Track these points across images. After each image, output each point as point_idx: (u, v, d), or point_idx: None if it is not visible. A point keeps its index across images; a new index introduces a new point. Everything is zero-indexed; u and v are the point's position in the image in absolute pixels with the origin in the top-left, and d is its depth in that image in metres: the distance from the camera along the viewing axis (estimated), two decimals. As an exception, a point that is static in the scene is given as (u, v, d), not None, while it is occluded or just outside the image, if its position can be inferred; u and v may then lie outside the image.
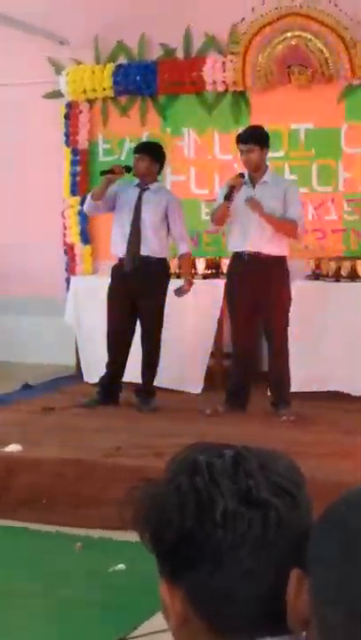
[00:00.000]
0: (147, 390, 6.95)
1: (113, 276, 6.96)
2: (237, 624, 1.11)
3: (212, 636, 1.13)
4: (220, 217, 6.59)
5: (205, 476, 1.12)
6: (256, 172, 6.55)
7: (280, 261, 6.54)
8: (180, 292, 6.84)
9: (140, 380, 6.98)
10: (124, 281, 6.80)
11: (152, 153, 6.87)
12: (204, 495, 1.11)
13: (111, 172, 6.79)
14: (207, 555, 1.11)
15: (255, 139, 6.51)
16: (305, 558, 1.03)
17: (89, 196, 6.96)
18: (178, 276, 7.58)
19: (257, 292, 6.48)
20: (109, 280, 6.99)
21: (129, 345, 6.93)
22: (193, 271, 7.70)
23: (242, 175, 6.48)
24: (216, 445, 1.19)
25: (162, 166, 7.04)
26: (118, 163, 7.70)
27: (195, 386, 7.47)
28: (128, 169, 6.83)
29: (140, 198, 6.82)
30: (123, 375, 6.99)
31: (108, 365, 6.98)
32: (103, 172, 6.90)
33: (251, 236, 6.46)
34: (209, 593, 1.12)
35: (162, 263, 6.92)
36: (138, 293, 6.75)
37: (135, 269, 6.73)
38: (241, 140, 6.57)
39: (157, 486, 1.15)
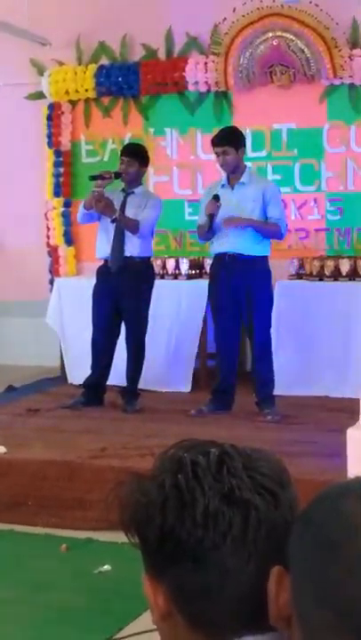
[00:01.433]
0: (131, 391, 6.95)
1: (98, 277, 6.96)
2: (218, 621, 1.12)
3: (193, 632, 1.13)
4: (206, 236, 6.64)
5: (189, 475, 1.13)
6: (234, 172, 6.55)
7: (261, 261, 6.55)
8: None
9: (124, 382, 6.97)
10: (109, 282, 6.80)
11: (140, 157, 6.87)
12: (186, 494, 1.12)
13: (100, 178, 6.78)
14: (188, 553, 1.11)
15: (229, 140, 6.50)
16: (287, 556, 1.04)
17: (81, 207, 6.94)
18: (162, 277, 7.61)
19: (239, 292, 6.49)
20: (94, 281, 6.98)
21: (113, 346, 6.93)
22: (177, 272, 7.71)
23: (216, 198, 6.45)
24: (203, 443, 1.19)
25: (146, 169, 7.05)
26: (102, 165, 7.71)
27: (183, 384, 7.47)
28: (118, 175, 6.81)
29: (124, 202, 6.82)
30: (107, 376, 6.98)
31: (93, 367, 6.97)
32: (92, 177, 6.89)
33: (231, 238, 6.46)
34: (190, 590, 1.12)
35: (146, 263, 6.92)
36: (122, 295, 6.75)
37: (119, 270, 6.73)
38: (215, 142, 6.55)
39: (143, 483, 1.15)
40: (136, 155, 6.87)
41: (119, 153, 7.12)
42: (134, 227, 6.68)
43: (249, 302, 6.50)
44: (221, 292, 6.59)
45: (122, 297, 6.76)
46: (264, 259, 6.57)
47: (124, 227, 6.69)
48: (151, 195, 7.06)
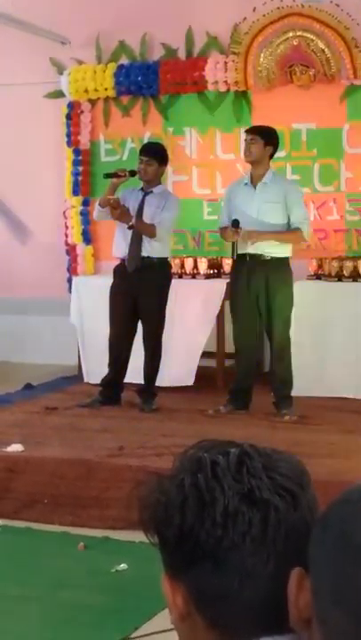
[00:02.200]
0: (149, 390, 6.95)
1: (115, 275, 6.97)
2: (237, 622, 1.12)
3: (212, 633, 1.13)
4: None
5: (208, 474, 1.13)
6: (257, 167, 6.54)
7: (283, 263, 6.54)
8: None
9: (141, 381, 6.98)
10: (126, 281, 6.80)
11: (160, 157, 6.85)
12: (206, 493, 1.12)
13: (115, 176, 6.77)
14: (207, 553, 1.11)
15: (260, 131, 6.54)
16: (307, 558, 1.04)
17: (97, 204, 6.94)
18: (180, 276, 7.61)
19: (259, 293, 6.48)
20: (112, 280, 6.99)
21: (131, 345, 6.93)
22: (195, 271, 7.70)
23: (236, 224, 6.42)
24: (223, 443, 1.19)
25: (165, 168, 7.05)
26: (120, 164, 7.70)
27: (187, 378, 7.43)
28: (133, 173, 6.79)
29: (142, 201, 6.82)
30: (125, 375, 6.98)
31: (110, 365, 6.97)
32: (107, 175, 6.88)
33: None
34: (209, 591, 1.12)
35: (163, 263, 6.92)
36: (139, 293, 6.75)
37: (137, 270, 6.73)
38: (247, 130, 6.67)
39: (162, 482, 1.15)
40: (155, 154, 6.86)
41: (138, 152, 7.11)
42: (151, 232, 6.67)
43: (269, 303, 6.48)
44: (242, 292, 6.57)
45: (139, 296, 6.76)
46: (286, 260, 6.55)
47: (141, 232, 6.68)
48: (170, 195, 7.04)
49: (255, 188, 6.55)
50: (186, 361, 7.49)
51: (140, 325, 6.92)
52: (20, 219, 9.08)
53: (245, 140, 6.58)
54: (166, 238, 6.90)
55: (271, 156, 6.62)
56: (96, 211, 6.98)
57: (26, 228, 9.09)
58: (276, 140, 6.61)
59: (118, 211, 6.65)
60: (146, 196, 6.83)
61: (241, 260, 6.56)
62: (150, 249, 6.76)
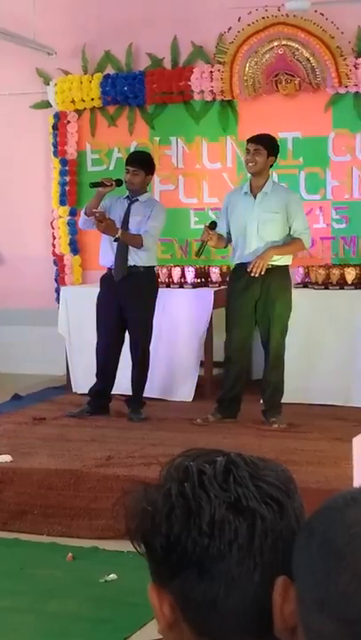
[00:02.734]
0: (137, 400, 6.94)
1: (102, 285, 6.97)
2: (224, 631, 1.12)
3: None
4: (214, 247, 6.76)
5: (195, 483, 1.13)
6: (257, 177, 6.53)
7: (283, 270, 6.52)
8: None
9: (130, 391, 6.97)
10: (113, 290, 6.79)
11: (146, 166, 6.85)
12: (192, 502, 1.12)
13: (101, 185, 6.78)
14: (194, 562, 1.11)
15: (265, 142, 6.49)
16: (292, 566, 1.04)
17: (82, 213, 6.94)
18: (167, 286, 7.62)
19: (258, 301, 6.46)
20: (99, 291, 6.99)
21: (118, 354, 6.93)
22: (182, 280, 7.71)
23: (213, 226, 6.46)
24: (210, 452, 1.19)
25: (152, 177, 7.05)
26: (107, 173, 7.71)
27: (186, 394, 7.46)
28: (119, 182, 6.80)
29: (128, 209, 6.82)
30: (112, 385, 6.98)
31: (98, 375, 6.97)
32: (94, 185, 6.89)
33: (252, 247, 6.45)
34: (195, 599, 1.12)
35: (150, 272, 6.92)
36: (125, 303, 6.75)
37: (123, 279, 6.73)
38: (251, 139, 6.56)
39: (149, 492, 1.15)
40: (141, 163, 6.86)
41: (125, 162, 7.11)
42: (137, 242, 6.68)
43: (269, 311, 6.46)
44: (240, 300, 6.53)
45: (126, 306, 6.76)
46: (285, 268, 6.55)
47: (128, 244, 6.69)
48: (156, 203, 7.04)
49: (255, 197, 6.54)
50: (183, 376, 7.50)
51: (127, 335, 6.92)
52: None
53: (248, 149, 6.51)
54: (153, 247, 6.90)
55: (271, 166, 6.61)
56: (81, 219, 6.98)
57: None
58: (278, 151, 6.59)
59: (104, 224, 6.65)
60: (132, 204, 6.84)
61: (241, 268, 6.53)
62: (137, 258, 6.76)
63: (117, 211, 6.81)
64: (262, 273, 6.36)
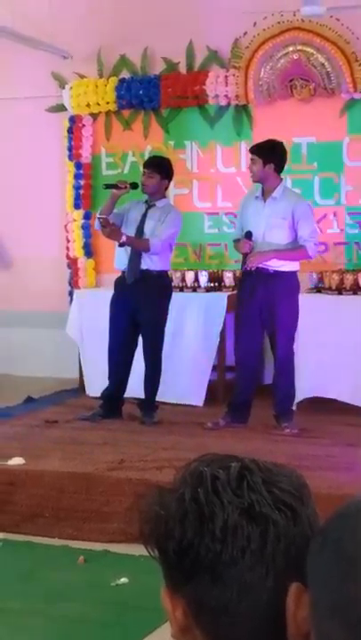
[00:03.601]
0: (149, 403, 6.95)
1: (116, 288, 6.99)
2: (236, 636, 1.12)
3: None
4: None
5: (208, 489, 1.13)
6: (266, 184, 6.54)
7: (289, 276, 6.52)
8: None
9: (142, 394, 6.97)
10: (126, 294, 6.81)
11: (162, 170, 6.85)
12: (205, 508, 1.12)
13: (115, 187, 6.80)
14: (206, 567, 1.11)
15: (259, 151, 6.53)
16: (306, 572, 1.04)
17: (97, 214, 6.96)
18: (181, 290, 7.62)
19: (264, 307, 6.47)
20: (113, 295, 7.00)
21: (131, 357, 6.94)
22: (196, 284, 7.71)
23: (249, 236, 6.45)
24: (225, 457, 1.19)
25: (170, 182, 7.04)
26: (122, 177, 7.71)
27: (197, 398, 7.46)
28: (134, 185, 6.82)
29: (145, 214, 6.83)
30: (125, 388, 6.99)
31: (110, 378, 6.98)
32: (107, 186, 6.91)
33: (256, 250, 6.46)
34: (208, 605, 1.12)
35: (162, 276, 6.93)
36: (139, 306, 6.76)
37: (136, 282, 6.75)
38: (250, 149, 6.71)
39: (163, 496, 1.16)
40: (157, 167, 6.87)
41: (141, 166, 7.12)
42: (145, 246, 6.71)
43: (274, 316, 6.47)
44: (247, 306, 6.56)
45: (139, 309, 6.77)
46: (292, 274, 6.55)
47: (135, 248, 6.71)
48: (172, 209, 7.04)
49: (265, 202, 6.56)
50: (194, 380, 7.49)
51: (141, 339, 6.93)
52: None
53: (250, 158, 6.62)
54: (165, 252, 6.90)
55: (279, 170, 6.60)
56: (97, 221, 7.01)
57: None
58: (277, 155, 6.58)
59: (108, 229, 6.70)
60: (149, 209, 6.85)
61: (247, 274, 6.55)
62: (150, 262, 6.78)
63: (135, 214, 6.84)
64: (252, 268, 6.39)
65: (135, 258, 6.75)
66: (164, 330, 6.88)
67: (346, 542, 0.97)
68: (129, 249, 6.77)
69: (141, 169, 7.11)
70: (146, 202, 6.87)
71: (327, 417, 6.95)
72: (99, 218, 6.71)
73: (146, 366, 6.90)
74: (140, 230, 6.79)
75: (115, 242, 6.92)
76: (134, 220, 6.80)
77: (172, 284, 7.27)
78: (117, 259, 6.95)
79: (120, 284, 6.92)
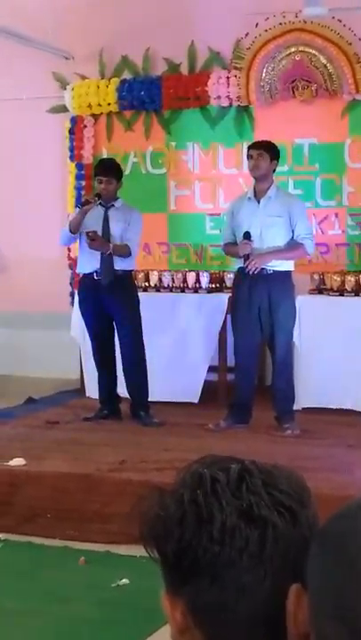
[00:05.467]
0: (144, 403, 6.96)
1: (85, 291, 7.01)
2: (234, 638, 1.12)
3: None
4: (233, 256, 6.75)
5: (207, 490, 1.13)
6: (261, 182, 6.55)
7: (284, 276, 6.54)
8: None
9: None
10: (101, 296, 6.85)
11: (118, 174, 6.95)
12: (204, 510, 1.12)
13: (87, 203, 6.86)
14: (205, 568, 1.11)
15: (267, 147, 6.56)
16: (305, 573, 1.04)
17: (66, 230, 6.94)
18: (182, 290, 7.63)
19: (261, 307, 6.48)
20: (80, 298, 7.09)
21: (114, 356, 7.05)
22: (197, 285, 7.71)
23: (247, 236, 6.42)
24: (225, 459, 1.19)
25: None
26: (126, 179, 7.70)
27: (192, 395, 7.44)
28: (99, 196, 6.88)
29: (106, 216, 6.87)
30: (116, 385, 7.07)
31: (100, 381, 7.10)
32: (82, 204, 6.96)
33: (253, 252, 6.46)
34: (206, 606, 1.12)
35: (132, 276, 7.10)
36: (117, 307, 6.87)
37: (110, 284, 6.78)
38: (253, 145, 6.67)
39: (163, 497, 1.16)
40: (114, 172, 6.95)
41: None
42: (126, 252, 6.83)
43: (270, 317, 6.48)
44: (243, 306, 6.57)
45: (117, 310, 6.86)
46: (287, 274, 6.56)
47: (118, 255, 6.77)
48: (133, 209, 7.07)
49: (259, 202, 6.56)
50: (191, 377, 7.49)
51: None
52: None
53: (251, 155, 6.55)
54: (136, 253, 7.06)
55: (274, 171, 6.64)
56: (65, 236, 7.00)
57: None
58: (278, 155, 6.64)
59: (97, 242, 6.74)
60: (108, 210, 6.89)
61: (242, 274, 6.57)
62: (121, 262, 6.87)
63: (93, 216, 6.86)
64: (255, 272, 6.37)
65: (108, 259, 6.80)
66: (142, 327, 6.94)
67: (346, 544, 0.97)
68: (97, 252, 6.78)
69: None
70: (100, 205, 6.89)
71: (329, 418, 6.94)
72: (87, 233, 6.75)
73: (130, 367, 6.94)
74: (106, 229, 6.86)
75: (80, 246, 7.01)
76: (93, 221, 6.84)
77: (170, 285, 7.41)
78: (84, 262, 6.96)
79: (90, 287, 6.92)
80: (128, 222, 6.88)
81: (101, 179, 6.90)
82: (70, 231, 6.89)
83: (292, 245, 6.50)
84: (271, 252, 6.43)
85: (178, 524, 1.13)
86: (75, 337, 7.95)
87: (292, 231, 6.52)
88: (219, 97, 8.21)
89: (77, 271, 7.15)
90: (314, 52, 7.84)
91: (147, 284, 7.82)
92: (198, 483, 1.14)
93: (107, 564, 4.87)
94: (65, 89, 8.76)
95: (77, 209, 7.03)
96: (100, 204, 6.90)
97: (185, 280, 7.76)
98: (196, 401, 7.42)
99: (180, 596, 1.14)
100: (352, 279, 7.35)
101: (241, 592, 1.11)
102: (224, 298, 7.48)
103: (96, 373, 7.27)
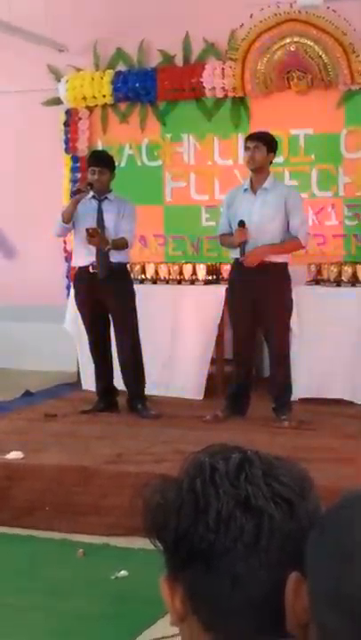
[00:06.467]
0: (141, 395, 6.96)
1: (80, 284, 6.99)
2: (231, 626, 1.12)
3: (208, 635, 1.13)
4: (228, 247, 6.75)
5: (206, 479, 1.14)
6: (258, 174, 6.54)
7: (280, 268, 6.53)
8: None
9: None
10: (93, 288, 6.83)
11: (111, 165, 6.93)
12: (201, 498, 1.13)
13: (79, 192, 6.84)
14: (200, 556, 1.12)
15: (264, 139, 6.54)
16: (304, 564, 1.04)
17: (59, 221, 6.91)
18: (179, 282, 7.63)
19: (257, 298, 6.48)
20: (76, 291, 7.06)
21: (110, 348, 7.03)
22: (194, 277, 7.71)
23: (242, 224, 6.43)
24: (229, 448, 1.20)
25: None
26: (119, 170, 7.67)
27: (196, 392, 7.46)
28: (91, 185, 6.85)
29: (100, 208, 6.86)
30: (112, 378, 7.07)
31: (96, 374, 7.09)
32: (74, 193, 6.94)
33: (250, 244, 6.46)
34: (202, 593, 1.13)
35: (125, 268, 7.07)
36: (114, 299, 6.85)
37: (107, 276, 6.77)
38: (250, 137, 6.64)
39: (165, 486, 1.17)
40: (107, 163, 6.94)
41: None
42: (124, 245, 6.83)
43: (267, 308, 6.48)
44: (239, 297, 6.58)
45: (113, 302, 6.85)
46: (283, 265, 6.56)
47: (118, 249, 6.76)
48: (127, 201, 7.04)
49: (255, 193, 6.55)
50: (193, 373, 7.49)
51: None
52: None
53: (248, 146, 6.54)
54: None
55: (271, 162, 6.63)
56: (59, 227, 6.95)
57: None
58: (276, 146, 6.63)
59: (96, 239, 6.71)
60: (101, 202, 6.88)
61: (238, 266, 6.57)
62: (117, 255, 6.85)
63: (86, 208, 6.85)
64: (252, 265, 6.37)
65: (104, 252, 6.78)
66: (137, 320, 6.94)
67: (344, 534, 0.98)
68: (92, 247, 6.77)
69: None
70: (93, 197, 6.88)
71: (326, 409, 6.95)
72: (87, 229, 6.71)
73: (126, 360, 6.92)
74: (100, 222, 6.84)
75: (74, 239, 6.99)
76: (87, 213, 6.83)
77: (167, 278, 7.41)
78: (80, 255, 6.93)
79: (85, 280, 6.91)
80: (122, 214, 6.87)
81: (94, 169, 6.89)
82: (63, 221, 6.86)
83: (287, 240, 6.49)
84: (266, 248, 6.42)
85: (176, 512, 1.14)
86: (68, 329, 7.94)
87: (288, 223, 6.51)
88: (214, 88, 8.20)
89: (73, 264, 7.13)
90: (309, 42, 7.82)
91: (143, 276, 7.82)
92: (198, 471, 1.15)
93: (105, 557, 4.87)
94: (59, 81, 8.74)
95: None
96: (93, 196, 6.88)
97: (181, 272, 7.75)
98: (200, 398, 7.42)
99: (180, 582, 1.15)
100: (349, 270, 7.35)
101: (235, 581, 1.11)
102: (221, 290, 7.47)
103: (92, 366, 7.27)
